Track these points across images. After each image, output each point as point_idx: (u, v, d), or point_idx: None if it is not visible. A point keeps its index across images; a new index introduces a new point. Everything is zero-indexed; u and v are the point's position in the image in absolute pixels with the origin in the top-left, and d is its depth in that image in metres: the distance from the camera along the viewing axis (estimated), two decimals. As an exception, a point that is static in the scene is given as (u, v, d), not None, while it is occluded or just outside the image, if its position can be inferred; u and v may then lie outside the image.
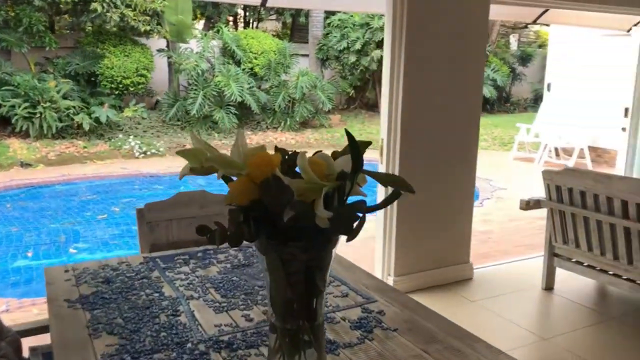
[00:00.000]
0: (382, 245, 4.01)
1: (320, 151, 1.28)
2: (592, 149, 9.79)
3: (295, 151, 1.19)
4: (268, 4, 4.41)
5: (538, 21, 5.91)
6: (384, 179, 1.12)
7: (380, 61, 12.77)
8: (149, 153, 10.36)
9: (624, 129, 6.05)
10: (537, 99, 17.53)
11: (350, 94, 13.92)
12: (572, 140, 9.51)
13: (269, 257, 1.21)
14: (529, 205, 3.93)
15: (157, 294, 1.94)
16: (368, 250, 4.65)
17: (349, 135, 1.14)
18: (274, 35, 14.30)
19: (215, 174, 1.24)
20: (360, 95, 14.39)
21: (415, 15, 3.67)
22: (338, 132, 12.58)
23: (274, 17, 16.65)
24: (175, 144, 10.91)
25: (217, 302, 1.89)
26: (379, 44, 12.86)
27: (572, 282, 4.13)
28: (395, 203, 3.87)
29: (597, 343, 3.34)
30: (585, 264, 3.82)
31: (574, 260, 3.91)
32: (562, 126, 9.60)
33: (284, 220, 1.08)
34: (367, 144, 1.39)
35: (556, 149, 9.96)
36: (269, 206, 1.08)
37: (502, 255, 4.94)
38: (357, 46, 12.81)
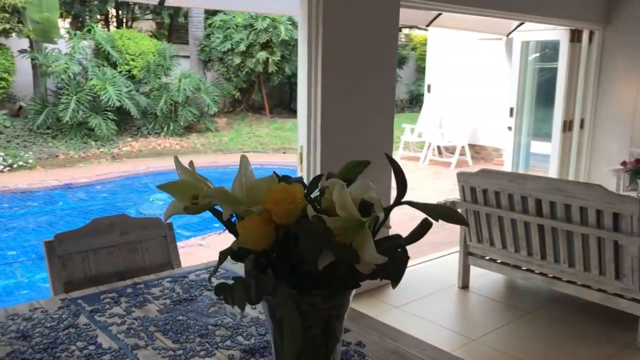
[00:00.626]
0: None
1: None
2: (471, 146, 10.39)
3: (317, 178, 0.99)
4: (167, 3, 4.05)
5: (432, 24, 6.10)
6: (434, 211, 0.96)
7: (265, 63, 12.60)
8: (15, 166, 9.30)
9: (509, 128, 6.44)
10: (412, 100, 18.39)
11: (236, 97, 13.59)
12: (454, 139, 10.02)
13: (285, 309, 1.00)
14: (446, 207, 3.98)
15: (92, 347, 1.61)
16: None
17: (390, 158, 0.96)
18: (150, 36, 13.55)
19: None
20: (246, 98, 14.11)
21: (332, 18, 3.56)
22: (226, 136, 12.22)
23: (149, 16, 15.80)
24: (46, 154, 9.90)
25: (170, 350, 1.61)
26: (264, 46, 12.68)
27: (485, 279, 4.26)
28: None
29: (524, 338, 3.44)
30: (499, 261, 3.95)
31: (487, 258, 4.03)
32: (443, 126, 10.09)
33: (318, 268, 0.88)
34: (366, 163, 1.24)
35: (439, 148, 10.44)
36: (303, 251, 0.87)
37: (414, 255, 4.99)
38: (242, 48, 12.53)
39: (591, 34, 5.95)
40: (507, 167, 6.53)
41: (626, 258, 3.20)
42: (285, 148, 11.94)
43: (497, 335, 3.44)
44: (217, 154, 11.25)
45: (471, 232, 4.01)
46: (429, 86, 11.39)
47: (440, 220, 0.95)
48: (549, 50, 6.64)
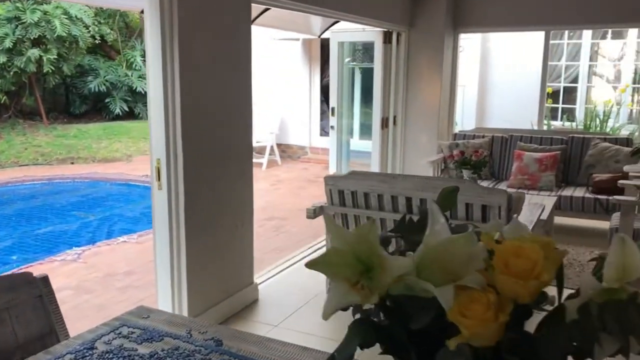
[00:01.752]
0: (169, 284, 3.33)
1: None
2: (277, 145, 10.47)
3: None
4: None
5: (255, 23, 5.86)
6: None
7: (39, 62, 11.00)
8: None
9: (332, 127, 6.58)
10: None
11: (2, 101, 11.60)
12: (263, 139, 9.97)
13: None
14: (315, 213, 3.83)
15: None
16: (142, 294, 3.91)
17: None
18: None
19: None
20: (15, 102, 12.14)
21: (187, 13, 3.11)
22: (-5, 148, 10.35)
23: None
24: None
25: None
26: (36, 42, 11.04)
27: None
28: (180, 233, 3.27)
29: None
30: (366, 262, 3.94)
31: (354, 259, 4.00)
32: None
33: None
34: (456, 190, 1.03)
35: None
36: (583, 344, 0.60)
37: (264, 265, 4.76)
38: (7, 44, 10.70)
39: (399, 35, 6.37)
40: (332, 165, 6.67)
41: (492, 246, 3.43)
42: (73, 158, 10.57)
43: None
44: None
45: (338, 235, 3.93)
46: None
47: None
48: (363, 52, 6.95)
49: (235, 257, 3.73)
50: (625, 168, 5.41)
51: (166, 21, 3.06)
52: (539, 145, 5.98)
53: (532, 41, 8.47)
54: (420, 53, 6.47)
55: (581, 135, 5.98)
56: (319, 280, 4.10)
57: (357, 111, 7.31)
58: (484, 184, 5.37)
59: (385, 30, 6.16)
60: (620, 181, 4.28)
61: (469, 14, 6.42)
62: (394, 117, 6.56)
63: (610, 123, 8.18)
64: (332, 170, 6.71)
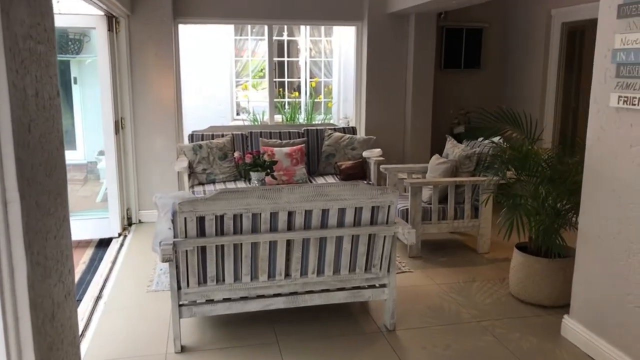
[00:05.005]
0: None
1: None
2: None
3: None
4: None
5: None
6: None
7: None
8: None
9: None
10: None
11: None
12: None
13: None
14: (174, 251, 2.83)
15: None
16: None
17: None
18: None
19: None
20: None
21: None
22: None
23: None
24: None
25: None
26: None
27: (200, 329, 3.34)
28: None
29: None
30: (223, 299, 3.18)
31: (205, 301, 3.17)
32: None
33: None
34: None
35: None
36: None
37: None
38: None
39: (117, 22, 5.32)
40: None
41: (377, 248, 3.22)
42: None
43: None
44: None
45: (190, 275, 3.03)
46: None
47: None
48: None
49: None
50: (365, 154, 5.92)
51: None
52: (281, 140, 5.97)
53: (220, 38, 8.37)
54: (147, 45, 5.58)
55: (314, 127, 6.23)
56: (156, 337, 3.10)
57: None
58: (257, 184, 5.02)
59: (107, 14, 5.04)
60: (406, 181, 4.63)
61: (188, 2, 5.84)
62: (121, 120, 5.49)
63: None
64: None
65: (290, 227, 3.05)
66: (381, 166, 5.35)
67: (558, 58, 6.00)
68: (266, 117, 8.47)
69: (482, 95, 6.99)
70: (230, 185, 5.47)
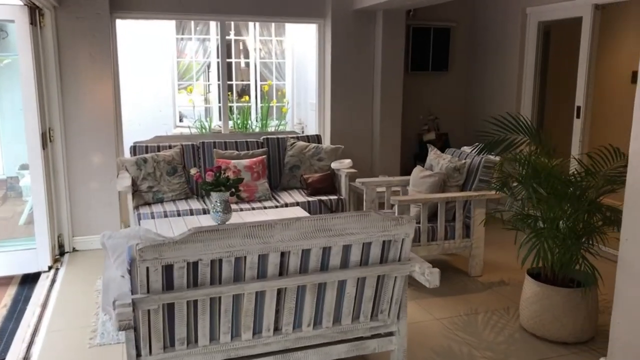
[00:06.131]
0: None
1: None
2: None
3: None
4: None
5: None
6: None
7: None
8: None
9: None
10: None
11: None
12: None
13: None
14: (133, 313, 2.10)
15: None
16: None
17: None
18: None
19: None
20: None
21: None
22: None
23: None
24: None
25: None
26: None
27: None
28: None
29: None
30: (195, 364, 2.47)
31: (172, 367, 2.45)
32: None
33: None
34: None
35: None
36: None
37: None
38: None
39: (41, 14, 4.46)
40: None
41: (387, 290, 2.62)
42: None
43: None
44: None
45: (153, 338, 2.31)
46: None
47: None
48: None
49: None
50: (334, 165, 5.32)
51: None
52: (238, 151, 5.27)
53: (160, 36, 7.55)
54: (78, 42, 4.73)
55: (275, 136, 5.56)
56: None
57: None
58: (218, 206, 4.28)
59: (28, 4, 4.18)
60: (394, 198, 4.05)
61: (126, -6, 5.04)
62: (49, 131, 4.63)
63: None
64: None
65: (282, 271, 2.40)
66: (357, 180, 4.76)
67: (535, 58, 5.64)
68: (215, 124, 7.74)
69: (451, 100, 6.56)
70: (182, 205, 4.72)
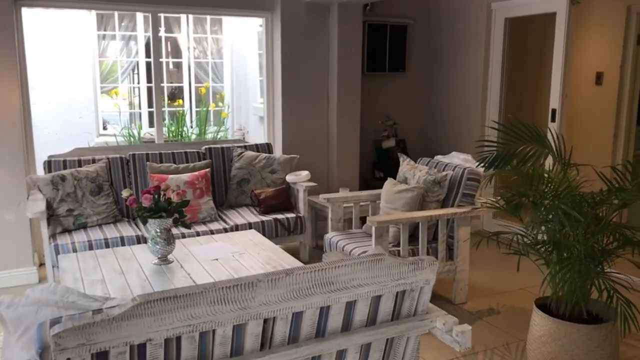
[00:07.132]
0: None
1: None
2: None
3: None
4: None
5: None
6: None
7: None
8: None
9: None
10: None
11: None
12: None
13: None
14: None
15: None
16: None
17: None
18: None
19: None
20: None
21: None
22: None
23: None
24: None
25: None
26: None
27: None
28: None
29: None
30: None
31: None
32: None
33: None
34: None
35: None
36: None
37: None
38: None
39: None
40: None
41: (398, 353, 1.99)
42: None
43: None
44: None
45: None
46: None
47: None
48: None
49: None
50: (289, 178, 4.67)
51: None
52: (176, 164, 4.51)
53: (79, 32, 6.60)
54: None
55: (218, 146, 4.83)
56: None
57: None
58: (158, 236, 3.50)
59: None
60: (371, 219, 3.44)
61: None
62: None
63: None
64: None
65: (265, 342, 1.72)
66: (321, 196, 4.11)
67: (502, 58, 5.23)
68: (145, 131, 6.87)
69: (408, 103, 6.06)
70: (110, 231, 3.92)
